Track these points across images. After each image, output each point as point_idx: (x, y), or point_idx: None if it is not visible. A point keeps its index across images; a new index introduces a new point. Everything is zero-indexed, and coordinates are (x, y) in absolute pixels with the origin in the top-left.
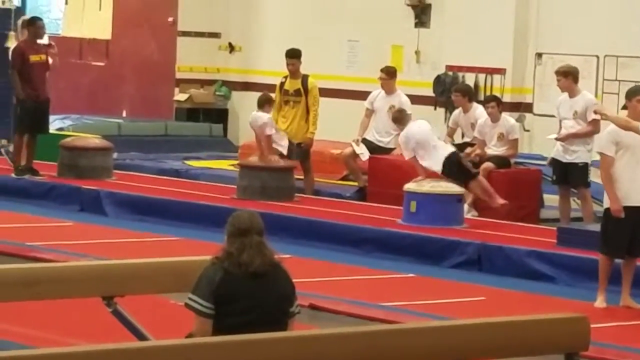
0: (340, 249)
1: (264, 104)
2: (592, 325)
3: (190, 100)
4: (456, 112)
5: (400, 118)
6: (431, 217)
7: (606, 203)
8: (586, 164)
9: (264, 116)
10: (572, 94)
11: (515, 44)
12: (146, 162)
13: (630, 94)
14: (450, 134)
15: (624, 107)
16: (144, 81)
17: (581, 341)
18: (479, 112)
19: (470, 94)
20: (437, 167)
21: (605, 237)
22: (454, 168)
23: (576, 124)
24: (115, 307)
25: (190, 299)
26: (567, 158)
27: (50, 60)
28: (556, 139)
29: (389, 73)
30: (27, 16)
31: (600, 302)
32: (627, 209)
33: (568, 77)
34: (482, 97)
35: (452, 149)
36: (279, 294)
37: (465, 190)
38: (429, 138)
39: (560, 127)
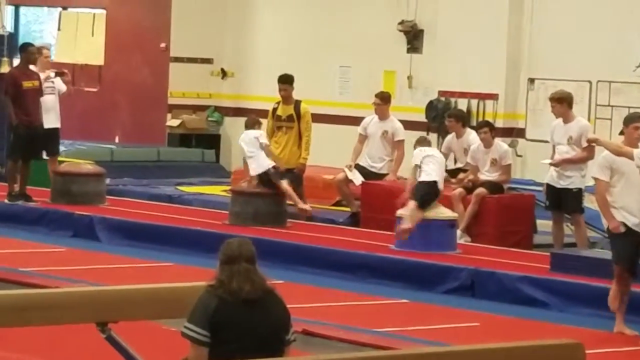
0: (333, 274)
1: (254, 124)
2: (587, 351)
3: (182, 126)
4: (449, 137)
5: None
6: (424, 243)
7: (606, 224)
8: (580, 189)
9: (256, 132)
10: (567, 119)
11: (508, 69)
12: (139, 187)
13: (627, 121)
14: (446, 159)
15: (621, 133)
16: (136, 107)
17: None
18: (472, 137)
19: (464, 119)
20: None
21: (615, 249)
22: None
23: (571, 149)
24: (110, 333)
25: (186, 327)
26: (561, 184)
27: (65, 88)
28: (550, 164)
29: (384, 98)
30: (41, 43)
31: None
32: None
33: (562, 103)
34: (474, 123)
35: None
36: (274, 321)
37: (458, 216)
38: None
39: (554, 153)
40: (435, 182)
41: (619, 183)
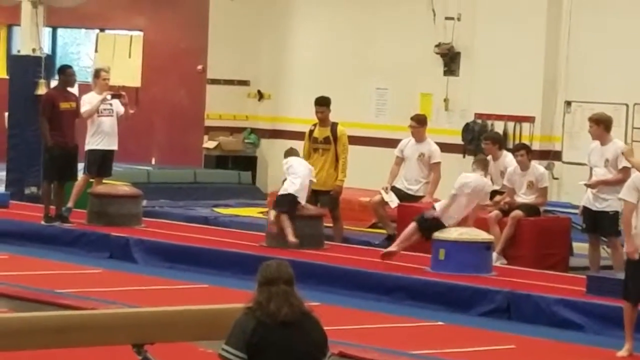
0: (369, 296)
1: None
2: None
3: (219, 148)
4: None
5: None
6: (460, 265)
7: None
8: (617, 212)
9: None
10: (603, 141)
11: (545, 91)
12: (175, 209)
13: None
14: None
15: None
16: (173, 128)
17: None
18: (508, 160)
19: (500, 142)
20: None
21: (625, 282)
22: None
23: (607, 171)
24: (145, 355)
25: (223, 349)
26: (597, 206)
27: (122, 110)
28: (586, 184)
29: (420, 121)
30: (96, 67)
31: (623, 351)
32: None
33: (600, 125)
34: (510, 145)
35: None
36: (311, 343)
37: (495, 239)
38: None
39: (591, 175)
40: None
41: None
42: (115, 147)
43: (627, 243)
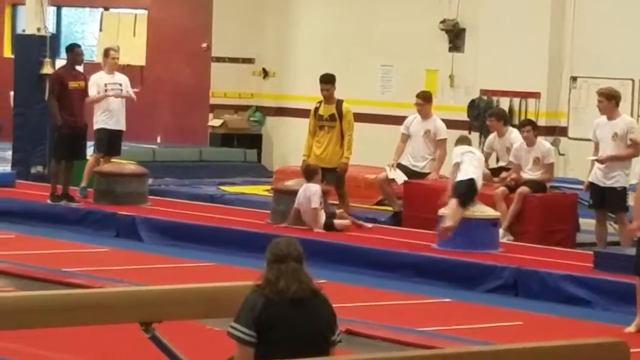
0: (376, 274)
1: (313, 175)
2: (632, 350)
3: (224, 126)
4: (491, 136)
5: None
6: (467, 242)
7: None
8: (624, 188)
9: (313, 187)
10: (612, 116)
11: (550, 67)
12: (181, 187)
13: None
14: (486, 158)
15: None
16: (178, 107)
17: None
18: (514, 136)
19: (506, 118)
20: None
21: (637, 258)
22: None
23: (616, 146)
24: (154, 333)
25: (232, 326)
26: (606, 182)
27: (132, 93)
28: (596, 160)
29: (425, 98)
30: (105, 47)
31: (632, 327)
32: None
33: (611, 100)
34: (516, 122)
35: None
36: (320, 321)
37: (501, 215)
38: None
39: (596, 150)
40: (473, 180)
41: None
42: (123, 127)
43: (634, 218)
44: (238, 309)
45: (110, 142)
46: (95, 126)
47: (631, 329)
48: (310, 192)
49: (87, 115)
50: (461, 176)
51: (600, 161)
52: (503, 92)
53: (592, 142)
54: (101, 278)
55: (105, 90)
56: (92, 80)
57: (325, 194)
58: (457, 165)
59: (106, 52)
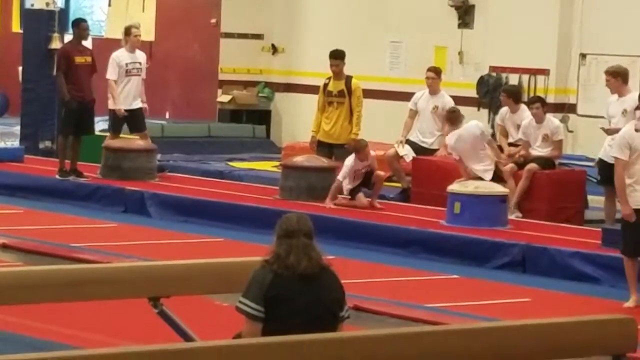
0: (384, 250)
1: (364, 148)
2: (638, 326)
3: (233, 102)
4: (503, 110)
5: (453, 118)
6: (475, 218)
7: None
8: None
9: (349, 160)
10: (621, 94)
11: (559, 44)
12: (190, 163)
13: None
14: (503, 133)
15: None
16: (187, 83)
17: (628, 342)
18: (526, 114)
19: (518, 96)
20: (487, 176)
21: (623, 238)
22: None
23: (626, 122)
24: (162, 308)
25: (240, 302)
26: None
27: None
28: (604, 129)
29: (437, 72)
30: (126, 25)
31: (631, 302)
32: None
33: (617, 77)
34: (525, 98)
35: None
36: (328, 297)
37: (510, 192)
38: (477, 144)
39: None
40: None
41: (638, 161)
42: (141, 104)
43: (622, 205)
44: (246, 284)
45: (132, 120)
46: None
47: (630, 304)
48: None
49: (98, 92)
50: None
51: (609, 131)
52: (512, 68)
53: (600, 120)
54: (109, 253)
55: (126, 70)
56: (113, 59)
57: (333, 169)
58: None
59: (127, 30)
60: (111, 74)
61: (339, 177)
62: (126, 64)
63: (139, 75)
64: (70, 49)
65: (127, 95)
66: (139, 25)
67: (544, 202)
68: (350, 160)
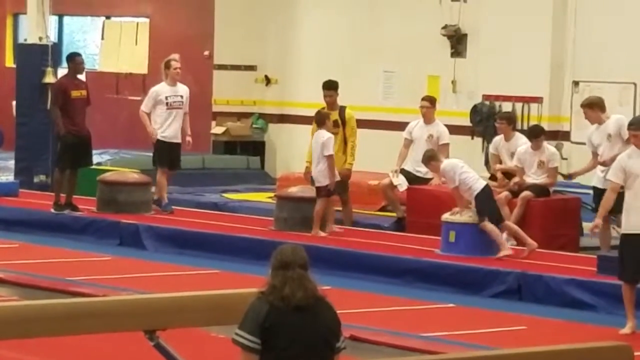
0: (380, 279)
1: (324, 120)
2: (635, 353)
3: (227, 133)
4: (497, 139)
5: (432, 156)
6: (470, 247)
7: (623, 229)
8: None
9: (326, 134)
10: (601, 122)
11: (552, 72)
12: (184, 195)
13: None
14: (497, 161)
15: None
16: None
17: None
18: (520, 141)
19: (514, 123)
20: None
21: (621, 264)
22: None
23: (612, 146)
24: (158, 341)
25: (236, 334)
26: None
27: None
28: (600, 163)
29: (432, 101)
30: (166, 58)
31: (627, 329)
32: (637, 236)
33: (594, 108)
34: (519, 126)
35: (484, 182)
36: (324, 328)
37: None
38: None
39: (594, 158)
40: (487, 186)
41: (634, 186)
42: (180, 139)
43: (597, 219)
44: (242, 316)
45: (170, 155)
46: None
47: (626, 330)
48: (323, 139)
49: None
50: (475, 191)
51: (605, 163)
52: (505, 97)
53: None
54: (105, 286)
55: (167, 103)
56: (150, 93)
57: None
58: (457, 188)
59: (167, 64)
60: (144, 105)
61: (331, 152)
62: (166, 97)
63: (181, 108)
64: (67, 83)
65: (167, 128)
66: (178, 58)
67: (539, 230)
68: (326, 133)
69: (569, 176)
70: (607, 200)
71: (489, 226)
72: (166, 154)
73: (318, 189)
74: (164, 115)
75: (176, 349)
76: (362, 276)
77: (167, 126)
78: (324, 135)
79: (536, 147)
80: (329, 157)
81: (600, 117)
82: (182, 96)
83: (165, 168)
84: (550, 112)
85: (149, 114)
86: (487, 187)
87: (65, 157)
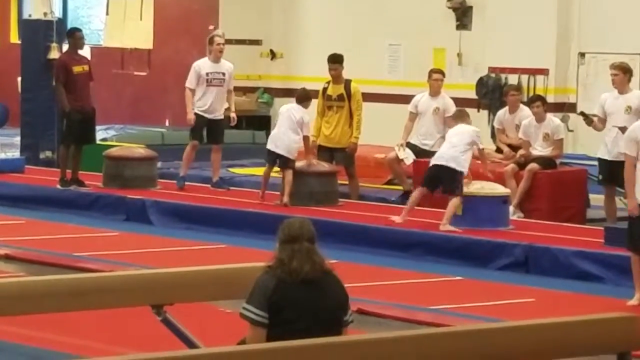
0: (387, 253)
1: (305, 99)
2: None
3: None
4: (501, 112)
5: (461, 116)
6: (477, 220)
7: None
8: None
9: (302, 111)
10: (623, 90)
11: (558, 44)
12: (190, 170)
13: None
14: (498, 134)
15: None
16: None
17: (633, 340)
18: (524, 113)
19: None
20: None
21: (630, 234)
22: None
23: (630, 119)
24: (165, 316)
25: (244, 308)
26: (616, 156)
27: (232, 86)
28: (619, 128)
29: (444, 74)
30: (214, 31)
31: (635, 300)
32: None
33: (626, 73)
34: (525, 98)
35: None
36: (332, 301)
37: (511, 192)
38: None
39: (601, 124)
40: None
41: None
42: (219, 116)
43: (629, 199)
44: (250, 290)
45: (208, 129)
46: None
47: (634, 302)
48: (303, 117)
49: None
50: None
51: (623, 129)
52: (511, 69)
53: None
54: (112, 262)
55: (207, 80)
56: (193, 68)
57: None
58: (472, 144)
59: (210, 40)
60: (188, 82)
61: (307, 133)
62: (207, 74)
63: (221, 86)
64: (68, 59)
65: (205, 104)
66: (222, 34)
67: (546, 202)
68: (303, 111)
69: (587, 117)
70: (629, 175)
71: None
72: (199, 127)
73: (287, 159)
74: (202, 91)
75: (183, 324)
76: (369, 250)
77: (203, 102)
78: (303, 112)
79: (540, 119)
80: (306, 138)
81: (626, 85)
82: (224, 73)
83: (195, 141)
84: (557, 84)
85: (193, 91)
86: None
87: (70, 133)
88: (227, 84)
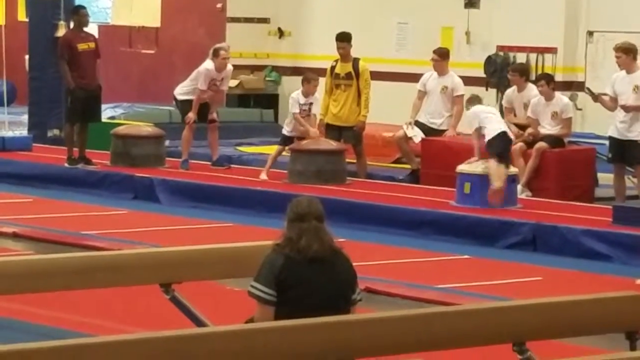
0: (394, 231)
1: (302, 82)
2: None
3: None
4: (509, 90)
5: (474, 101)
6: (485, 198)
7: None
8: None
9: (293, 95)
10: (631, 70)
11: (566, 22)
12: (198, 149)
13: None
14: (506, 113)
15: None
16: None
17: None
18: (533, 93)
19: (527, 74)
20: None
21: None
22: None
23: (637, 98)
24: (173, 294)
25: (252, 286)
26: (627, 135)
27: (226, 88)
28: (622, 106)
29: (442, 54)
30: (215, 46)
31: None
32: None
33: (629, 54)
34: (533, 77)
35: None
36: (340, 280)
37: (519, 171)
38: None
39: (612, 100)
40: (505, 132)
41: None
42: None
43: None
44: (258, 268)
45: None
46: (182, 97)
47: None
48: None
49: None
50: (490, 134)
51: (627, 108)
52: (519, 47)
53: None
54: (120, 240)
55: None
56: (204, 71)
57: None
58: (478, 130)
59: (216, 52)
60: (201, 84)
61: (295, 111)
62: (212, 79)
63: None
64: (72, 36)
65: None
66: (228, 48)
67: (554, 181)
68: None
69: (592, 94)
70: None
71: (491, 162)
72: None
73: (287, 137)
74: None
75: (192, 302)
76: (377, 228)
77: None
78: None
79: (548, 97)
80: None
81: (632, 64)
82: (222, 78)
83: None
84: (565, 62)
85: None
86: (503, 132)
87: (74, 111)
88: (223, 84)
